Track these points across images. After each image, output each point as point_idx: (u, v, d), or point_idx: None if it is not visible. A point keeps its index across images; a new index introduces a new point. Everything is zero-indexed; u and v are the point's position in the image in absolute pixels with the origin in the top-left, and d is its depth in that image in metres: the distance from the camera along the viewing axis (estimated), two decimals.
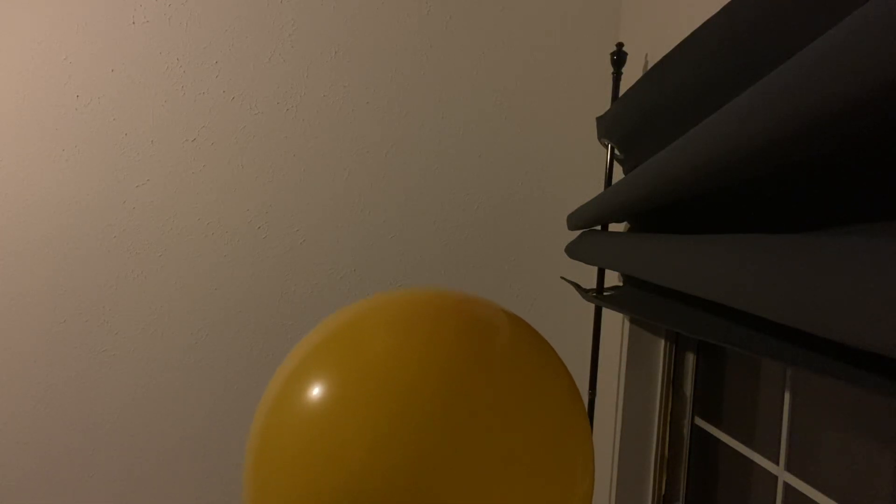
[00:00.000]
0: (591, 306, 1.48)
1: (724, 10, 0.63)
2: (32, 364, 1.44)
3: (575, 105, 1.51)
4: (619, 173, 1.28)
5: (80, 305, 1.44)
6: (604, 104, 1.49)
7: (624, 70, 1.25)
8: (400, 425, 0.46)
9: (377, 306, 0.57)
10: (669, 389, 1.27)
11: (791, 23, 0.53)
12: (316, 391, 0.49)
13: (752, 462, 1.01)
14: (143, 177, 1.44)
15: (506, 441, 0.48)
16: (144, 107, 1.43)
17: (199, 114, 1.44)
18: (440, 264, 1.51)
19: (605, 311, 1.40)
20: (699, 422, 1.22)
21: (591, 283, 1.34)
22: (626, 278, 1.22)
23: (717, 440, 1.14)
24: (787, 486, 0.92)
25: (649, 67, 0.92)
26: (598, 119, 1.23)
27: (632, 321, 1.29)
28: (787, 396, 0.93)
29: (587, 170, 1.52)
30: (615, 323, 1.37)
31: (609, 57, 1.27)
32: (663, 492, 1.28)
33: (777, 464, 0.94)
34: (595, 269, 1.30)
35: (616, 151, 1.23)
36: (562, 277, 1.46)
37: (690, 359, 1.25)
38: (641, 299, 1.01)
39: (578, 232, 1.43)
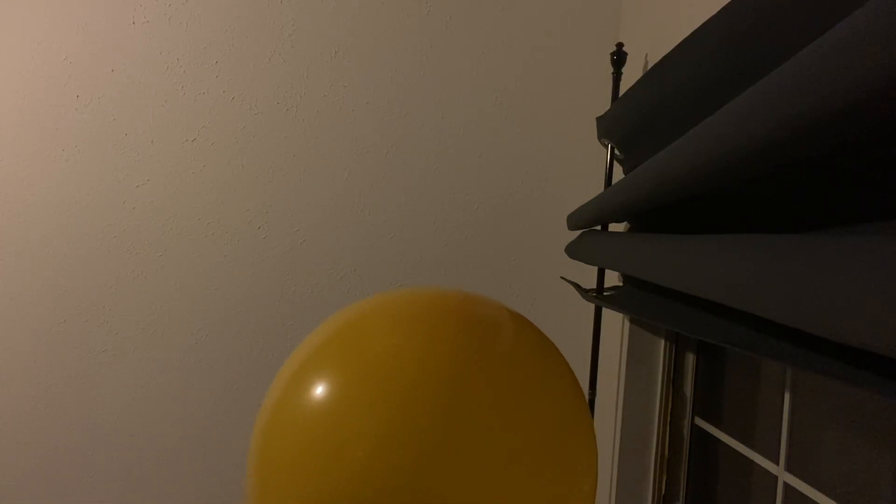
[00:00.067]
0: (591, 306, 1.48)
1: (724, 10, 0.63)
2: (32, 364, 1.44)
3: (575, 105, 1.51)
4: (619, 173, 1.28)
5: (80, 305, 1.44)
6: (604, 104, 1.49)
7: (624, 70, 1.25)
8: (402, 425, 0.46)
9: (379, 306, 0.57)
10: (669, 389, 1.27)
11: (791, 23, 0.53)
12: (318, 391, 0.49)
13: (752, 462, 1.01)
14: (143, 177, 1.44)
15: (508, 440, 0.48)
16: (144, 107, 1.43)
17: (199, 114, 1.44)
18: (440, 264, 1.51)
19: (605, 311, 1.40)
20: (699, 422, 1.22)
21: (591, 283, 1.34)
22: (626, 278, 1.22)
23: (717, 440, 1.14)
24: (787, 486, 0.92)
25: (649, 67, 0.92)
26: (598, 119, 1.23)
27: (632, 321, 1.29)
28: (787, 396, 0.93)
29: (587, 170, 1.52)
30: (615, 323, 1.37)
31: (609, 57, 1.27)
32: (663, 492, 1.28)
33: (777, 464, 0.94)
34: (595, 269, 1.30)
35: (616, 151, 1.23)
36: (562, 277, 1.46)
37: (690, 359, 1.25)
38: (641, 299, 1.01)
39: (578, 232, 1.43)
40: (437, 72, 1.49)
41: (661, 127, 0.90)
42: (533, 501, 0.48)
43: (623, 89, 1.24)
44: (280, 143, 1.47)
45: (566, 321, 1.53)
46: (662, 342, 1.28)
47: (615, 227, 1.27)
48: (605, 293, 1.20)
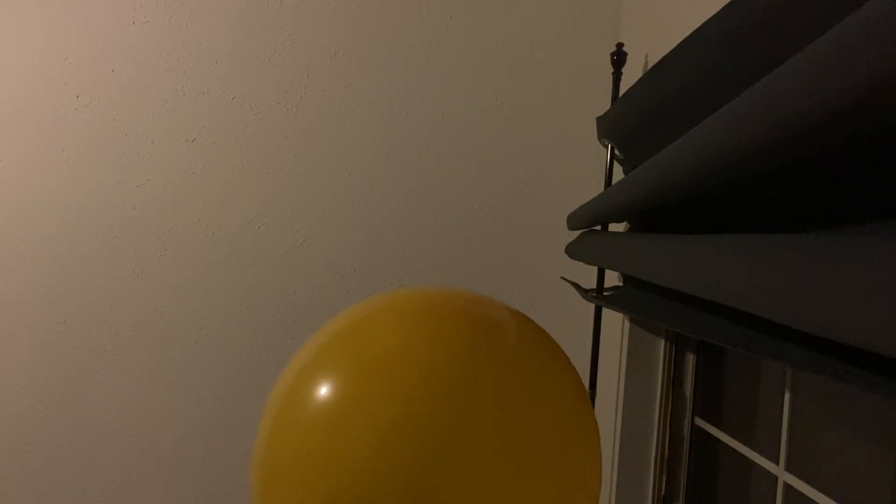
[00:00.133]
0: (591, 306, 1.48)
1: (724, 10, 0.63)
2: (32, 364, 1.44)
3: (575, 105, 1.51)
4: (619, 173, 1.28)
5: (80, 305, 1.44)
6: (604, 104, 1.49)
7: (624, 70, 1.25)
8: (406, 425, 0.46)
9: (383, 306, 0.57)
10: (669, 389, 1.27)
11: (791, 23, 0.53)
12: (323, 391, 0.49)
13: (752, 462, 1.01)
14: (143, 177, 1.44)
15: (512, 440, 0.48)
16: (144, 107, 1.43)
17: (199, 114, 1.44)
18: (440, 264, 1.51)
19: (605, 311, 1.40)
20: (699, 422, 1.22)
21: (591, 283, 1.34)
22: (626, 278, 1.22)
23: (717, 440, 1.14)
24: (787, 486, 0.92)
25: (649, 67, 0.92)
26: (598, 119, 1.23)
27: (632, 321, 1.29)
28: (787, 396, 0.93)
29: (587, 170, 1.52)
30: (615, 323, 1.36)
31: (609, 57, 1.27)
32: (663, 492, 1.28)
33: (777, 464, 0.94)
34: (595, 269, 1.30)
35: (616, 151, 1.23)
36: (562, 277, 1.46)
37: (690, 359, 1.25)
38: (641, 299, 1.01)
39: (578, 232, 1.43)
40: (437, 72, 1.49)
41: (661, 127, 0.90)
42: (538, 500, 0.48)
43: (623, 89, 1.24)
44: (280, 143, 1.47)
45: (566, 321, 1.53)
46: (662, 342, 1.28)
47: (615, 227, 1.27)
48: (605, 293, 1.20)
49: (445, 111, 1.50)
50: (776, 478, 0.94)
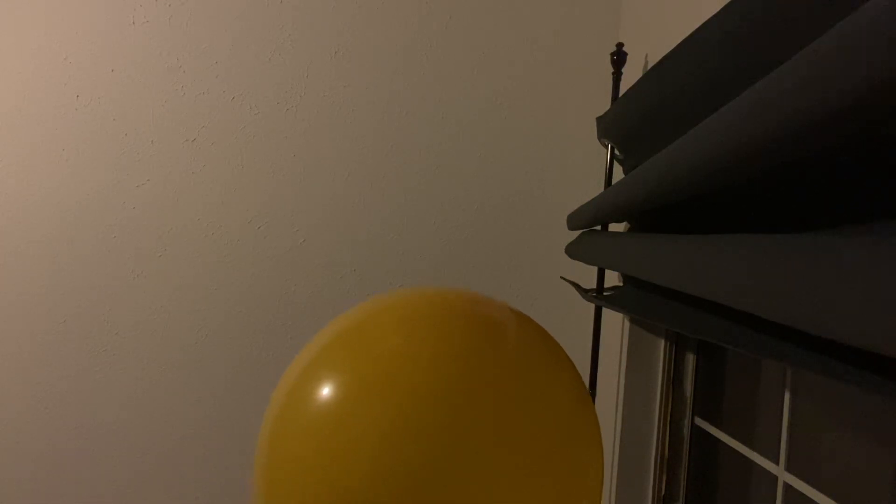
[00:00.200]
0: (591, 306, 1.48)
1: (724, 10, 0.63)
2: (32, 364, 1.44)
3: (575, 105, 1.51)
4: (619, 173, 1.28)
5: (80, 305, 1.44)
6: (604, 104, 1.49)
7: (624, 70, 1.25)
8: (408, 425, 0.46)
9: (384, 307, 0.57)
10: (669, 389, 1.27)
11: (791, 22, 0.53)
12: (325, 391, 0.49)
13: (752, 462, 1.01)
14: (143, 177, 1.44)
15: (514, 440, 0.48)
16: (144, 107, 1.43)
17: (199, 114, 1.44)
18: (440, 264, 1.51)
19: (605, 311, 1.40)
20: (699, 422, 1.22)
21: (591, 283, 1.34)
22: (626, 278, 1.22)
23: (717, 440, 1.14)
24: (787, 486, 0.92)
25: (649, 67, 0.92)
26: (598, 119, 1.23)
27: (632, 321, 1.29)
28: (787, 396, 0.93)
29: (587, 170, 1.52)
30: (615, 323, 1.36)
31: (609, 57, 1.26)
32: (663, 492, 1.28)
33: (777, 464, 0.94)
34: (595, 269, 1.30)
35: (616, 151, 1.23)
36: (562, 277, 1.46)
37: (690, 359, 1.25)
38: (641, 299, 1.01)
39: (578, 232, 1.43)
40: (437, 72, 1.49)
41: (661, 127, 0.90)
42: (539, 500, 0.48)
43: (623, 89, 1.24)
44: (280, 143, 1.47)
45: (566, 321, 1.53)
46: (662, 342, 1.28)
47: (615, 227, 1.27)
48: (605, 293, 1.20)
49: (445, 111, 1.50)
50: (776, 478, 0.94)
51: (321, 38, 1.46)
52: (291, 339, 1.49)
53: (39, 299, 1.43)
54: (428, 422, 0.47)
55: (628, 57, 1.25)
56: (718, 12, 0.64)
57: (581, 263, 1.40)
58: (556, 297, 1.54)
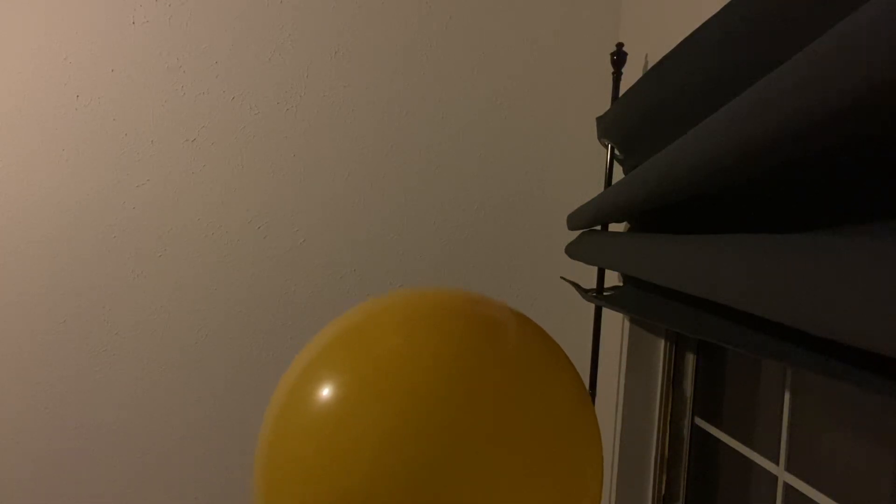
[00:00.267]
0: (591, 306, 1.48)
1: (725, 10, 0.63)
2: (32, 364, 1.44)
3: (575, 105, 1.51)
4: (619, 173, 1.28)
5: (80, 305, 1.44)
6: (604, 104, 1.49)
7: (624, 70, 1.25)
8: (408, 425, 0.46)
9: (384, 307, 0.57)
10: (669, 389, 1.27)
11: (791, 22, 0.53)
12: (325, 392, 0.49)
13: (752, 462, 1.01)
14: (143, 177, 1.44)
15: (514, 441, 0.48)
16: (144, 107, 1.43)
17: (199, 114, 1.44)
18: (440, 264, 1.51)
19: (605, 311, 1.40)
20: (699, 422, 1.22)
21: (591, 283, 1.34)
22: (626, 278, 1.22)
23: (717, 440, 1.14)
24: (787, 486, 0.92)
25: (649, 67, 0.92)
26: (598, 119, 1.23)
27: (632, 321, 1.29)
28: (787, 396, 0.93)
29: (587, 170, 1.52)
30: (615, 323, 1.36)
31: (609, 57, 1.27)
32: (663, 492, 1.28)
33: (777, 464, 0.94)
34: (595, 269, 1.30)
35: (616, 151, 1.23)
36: (562, 277, 1.46)
37: (690, 359, 1.25)
38: (641, 299, 1.01)
39: (578, 232, 1.43)
40: (437, 72, 1.49)
41: (661, 127, 0.90)
42: (539, 500, 0.48)
43: (623, 89, 1.24)
44: (280, 143, 1.47)
45: (566, 321, 1.53)
46: (662, 342, 1.28)
47: (615, 227, 1.27)
48: (605, 293, 1.20)
49: (445, 111, 1.50)
50: (776, 478, 0.94)
51: (321, 38, 1.46)
52: (291, 339, 1.49)
53: (39, 299, 1.43)
54: (428, 422, 0.47)
55: (628, 57, 1.25)
56: (718, 12, 0.64)
57: (581, 263, 1.40)
58: (556, 297, 1.54)
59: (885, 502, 0.73)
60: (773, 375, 0.98)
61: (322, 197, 1.48)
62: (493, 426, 0.48)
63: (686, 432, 1.26)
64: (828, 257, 0.37)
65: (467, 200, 1.51)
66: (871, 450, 0.76)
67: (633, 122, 1.02)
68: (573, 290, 1.52)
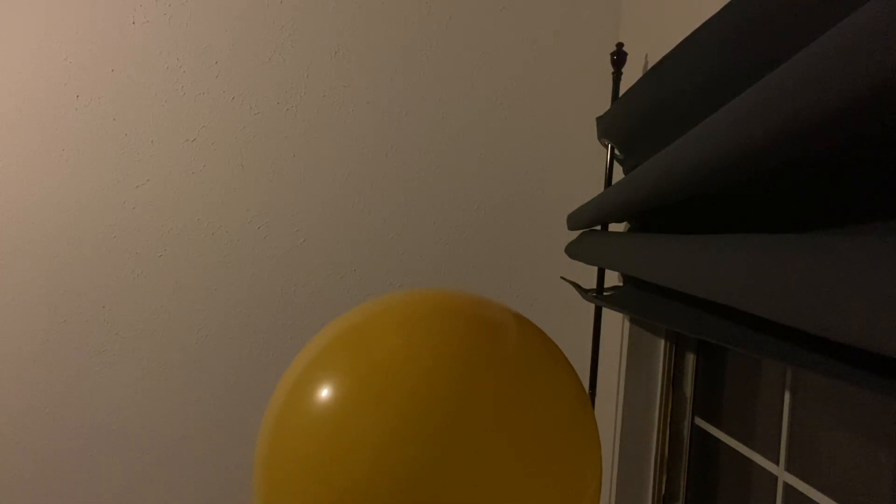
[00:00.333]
0: (591, 306, 1.48)
1: (725, 10, 0.63)
2: (32, 364, 1.44)
3: (575, 105, 1.51)
4: (619, 173, 1.28)
5: (80, 305, 1.44)
6: (604, 104, 1.49)
7: (624, 70, 1.25)
8: (407, 427, 0.46)
9: (384, 308, 0.57)
10: (669, 389, 1.27)
11: (791, 22, 0.53)
12: (325, 393, 0.50)
13: (752, 462, 1.01)
14: (143, 177, 1.44)
15: (513, 442, 0.48)
16: (144, 107, 1.43)
17: (199, 114, 1.44)
18: (440, 264, 1.51)
19: (605, 311, 1.40)
20: (699, 422, 1.22)
21: (591, 283, 1.34)
22: (626, 278, 1.22)
23: (717, 440, 1.14)
24: (787, 486, 0.92)
25: (649, 67, 0.92)
26: (598, 119, 1.23)
27: (632, 321, 1.29)
28: (787, 396, 0.93)
29: (587, 170, 1.52)
30: (615, 323, 1.37)
31: (609, 57, 1.27)
32: (663, 492, 1.28)
33: (777, 464, 0.94)
34: (595, 269, 1.30)
35: (616, 151, 1.23)
36: (562, 277, 1.46)
37: (690, 359, 1.25)
38: (641, 299, 1.01)
39: (578, 232, 1.43)
40: (437, 72, 1.49)
41: (661, 127, 0.90)
42: (539, 501, 0.48)
43: (623, 89, 1.24)
44: (280, 143, 1.47)
45: (566, 321, 1.53)
46: (662, 342, 1.28)
47: (615, 227, 1.27)
48: (605, 293, 1.20)
49: (445, 111, 1.50)
50: (776, 478, 0.94)
51: (321, 38, 1.46)
52: (291, 339, 1.49)
53: (39, 299, 1.43)
54: (427, 422, 0.47)
55: (628, 57, 1.25)
56: (718, 12, 0.64)
57: (581, 263, 1.40)
58: (556, 297, 1.54)
59: (885, 502, 0.73)
60: (773, 375, 0.98)
61: (322, 197, 1.48)
62: (493, 427, 0.48)
63: (686, 432, 1.26)
64: (828, 257, 0.37)
65: (467, 200, 1.51)
66: (871, 450, 0.76)
67: (633, 122, 1.02)
68: (573, 290, 1.52)
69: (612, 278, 1.28)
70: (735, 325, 0.66)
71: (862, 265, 0.34)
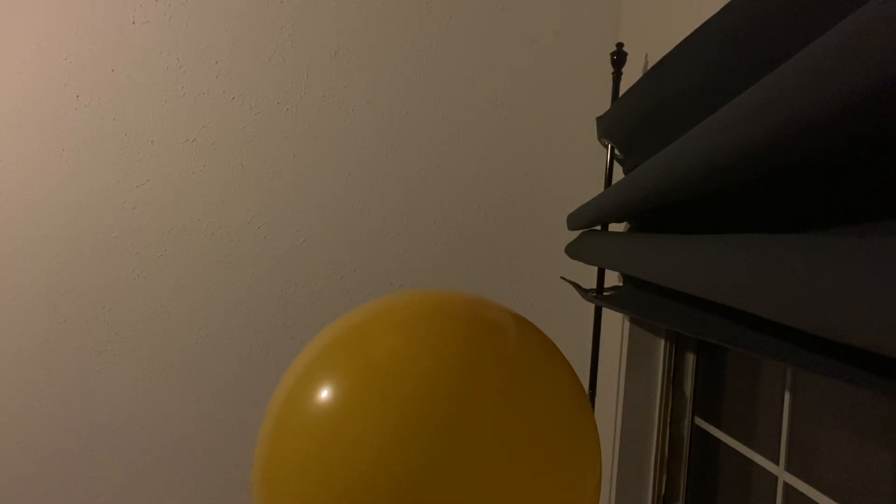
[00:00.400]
0: (591, 306, 1.48)
1: (724, 10, 0.63)
2: (32, 364, 1.44)
3: (575, 105, 1.51)
4: (619, 173, 1.28)
5: (80, 305, 1.44)
6: (604, 104, 1.49)
7: (624, 70, 1.25)
8: (408, 427, 0.46)
9: (385, 309, 0.57)
10: (669, 389, 1.27)
11: (791, 23, 0.53)
12: (324, 394, 0.50)
13: (752, 462, 1.01)
14: (143, 177, 1.44)
15: (513, 443, 0.48)
16: (144, 107, 1.43)
17: (199, 114, 1.44)
18: (440, 264, 1.51)
19: (605, 311, 1.40)
20: (699, 422, 1.22)
21: (591, 283, 1.34)
22: (626, 278, 1.22)
23: (717, 440, 1.14)
24: (787, 486, 0.92)
25: (649, 67, 0.92)
26: (598, 119, 1.23)
27: (632, 321, 1.29)
28: (787, 396, 0.93)
29: (587, 170, 1.52)
30: (615, 323, 1.37)
31: (609, 57, 1.26)
32: (663, 492, 1.28)
33: (777, 464, 0.94)
34: (595, 269, 1.30)
35: (616, 151, 1.23)
36: (562, 277, 1.46)
37: (690, 359, 1.25)
38: (641, 299, 1.01)
39: (578, 232, 1.43)
40: (437, 72, 1.49)
41: (661, 127, 0.90)
42: (539, 500, 0.48)
43: (623, 89, 1.24)
44: (280, 143, 1.47)
45: (566, 321, 1.53)
46: (662, 342, 1.28)
47: (615, 227, 1.27)
48: (605, 293, 1.20)
49: (445, 111, 1.50)
50: (776, 478, 0.94)
51: (321, 38, 1.46)
52: (291, 339, 1.49)
53: (39, 299, 1.43)
54: (427, 423, 0.47)
55: (628, 57, 1.25)
56: (718, 12, 0.64)
57: (581, 263, 1.40)
58: (556, 297, 1.54)
59: (885, 502, 0.73)
60: (773, 375, 0.98)
61: (322, 197, 1.48)
62: (492, 427, 0.48)
63: (686, 432, 1.26)
64: (828, 257, 0.37)
65: (467, 200, 1.51)
66: (871, 450, 0.76)
67: (633, 122, 1.02)
68: (573, 290, 1.52)
69: (612, 278, 1.28)
70: (735, 325, 0.66)
71: (862, 265, 0.34)
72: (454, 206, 1.51)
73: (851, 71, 0.33)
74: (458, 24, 1.49)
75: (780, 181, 0.53)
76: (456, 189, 1.51)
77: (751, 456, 1.02)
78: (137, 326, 1.46)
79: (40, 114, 1.41)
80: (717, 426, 1.15)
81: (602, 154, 1.32)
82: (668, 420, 1.27)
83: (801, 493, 0.88)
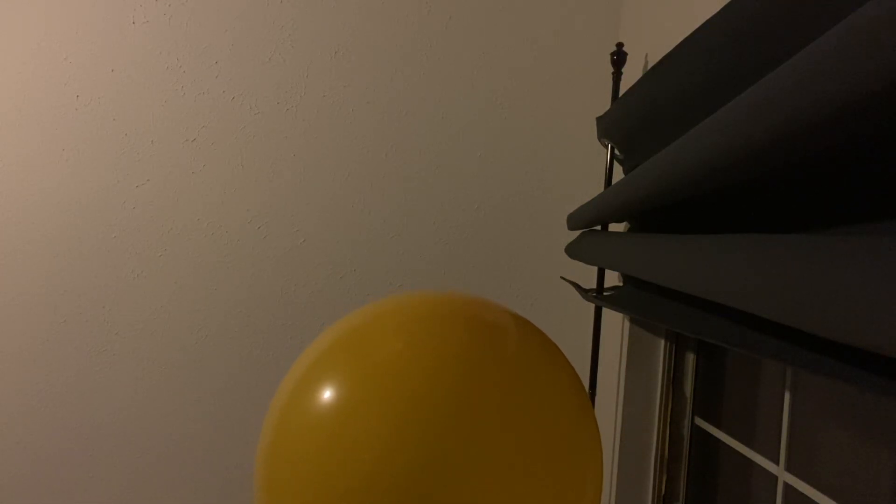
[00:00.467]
0: (591, 306, 1.48)
1: (725, 10, 0.63)
2: (32, 364, 1.44)
3: (575, 105, 1.51)
4: (619, 173, 1.28)
5: (80, 305, 1.44)
6: (604, 104, 1.49)
7: (624, 70, 1.25)
8: (408, 429, 0.46)
9: (386, 310, 0.57)
10: (669, 389, 1.27)
11: (791, 23, 0.53)
12: (327, 395, 0.50)
13: (752, 462, 1.01)
14: (143, 177, 1.44)
15: (514, 443, 0.48)
16: (144, 107, 1.43)
17: (199, 114, 1.44)
18: (440, 264, 1.51)
19: (605, 311, 1.40)
20: (699, 422, 1.22)
21: (591, 283, 1.34)
22: (626, 278, 1.22)
23: (717, 440, 1.14)
24: (787, 486, 0.92)
25: (649, 67, 0.92)
26: (598, 119, 1.23)
27: (632, 321, 1.29)
28: (787, 396, 0.93)
29: (587, 170, 1.52)
30: (615, 323, 1.36)
31: (609, 57, 1.27)
32: (663, 492, 1.28)
33: (777, 464, 0.94)
34: (595, 269, 1.30)
35: (616, 151, 1.23)
36: (562, 277, 1.46)
37: (690, 359, 1.25)
38: (641, 299, 1.01)
39: (578, 232, 1.43)
40: (437, 72, 1.49)
41: (661, 127, 0.90)
42: (540, 501, 0.48)
43: (623, 89, 1.24)
44: (280, 143, 1.47)
45: (566, 321, 1.53)
46: (662, 342, 1.28)
47: (615, 227, 1.27)
48: (605, 293, 1.20)
49: (445, 111, 1.50)
50: (776, 478, 0.94)
51: (321, 38, 1.46)
52: (291, 339, 1.49)
53: (39, 299, 1.43)
54: (428, 424, 0.47)
55: (628, 57, 1.25)
56: (718, 12, 0.64)
57: (581, 263, 1.40)
58: (556, 297, 1.54)
59: (885, 502, 0.73)
60: (773, 375, 0.98)
61: (322, 197, 1.48)
62: (493, 428, 0.48)
63: (686, 432, 1.26)
64: (828, 257, 0.37)
65: (467, 200, 1.51)
66: (871, 450, 0.76)
67: (633, 122, 1.02)
68: (573, 290, 1.52)
69: (612, 278, 1.28)
70: (735, 325, 0.66)
71: (862, 265, 0.34)
72: (454, 206, 1.51)
73: (851, 71, 0.33)
74: (458, 24, 1.49)
75: (780, 181, 0.53)
76: (456, 189, 1.51)
77: (751, 456, 1.02)
78: (137, 326, 1.46)
79: (40, 114, 1.41)
80: (717, 426, 1.15)
81: (602, 154, 1.32)
82: (668, 420, 1.27)
83: (801, 494, 0.88)
